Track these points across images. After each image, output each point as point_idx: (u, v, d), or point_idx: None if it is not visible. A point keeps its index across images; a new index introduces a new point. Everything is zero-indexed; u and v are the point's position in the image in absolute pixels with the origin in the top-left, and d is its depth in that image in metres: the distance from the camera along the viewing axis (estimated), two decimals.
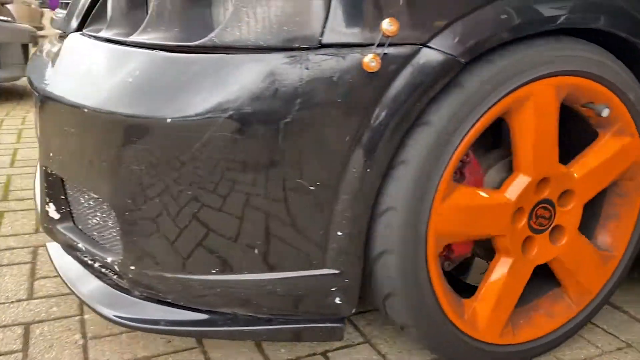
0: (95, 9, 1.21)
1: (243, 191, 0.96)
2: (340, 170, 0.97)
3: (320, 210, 1.00)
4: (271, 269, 1.03)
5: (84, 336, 1.37)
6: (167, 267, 1.05)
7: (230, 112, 0.91)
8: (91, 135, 1.01)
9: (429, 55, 0.94)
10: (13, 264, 1.70)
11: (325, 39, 0.91)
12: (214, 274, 1.04)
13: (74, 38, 1.20)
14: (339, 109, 0.94)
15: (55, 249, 1.36)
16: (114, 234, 1.13)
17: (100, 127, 0.98)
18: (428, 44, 0.94)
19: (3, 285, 1.58)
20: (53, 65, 1.21)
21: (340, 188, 0.99)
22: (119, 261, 1.10)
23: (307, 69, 0.91)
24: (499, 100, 1.03)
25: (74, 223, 1.28)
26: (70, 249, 1.29)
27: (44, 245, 1.79)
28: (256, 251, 1.02)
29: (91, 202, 1.17)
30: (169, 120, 0.92)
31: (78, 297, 1.23)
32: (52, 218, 1.28)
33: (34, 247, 1.82)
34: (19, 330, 1.38)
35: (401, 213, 1.02)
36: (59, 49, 1.23)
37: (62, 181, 1.23)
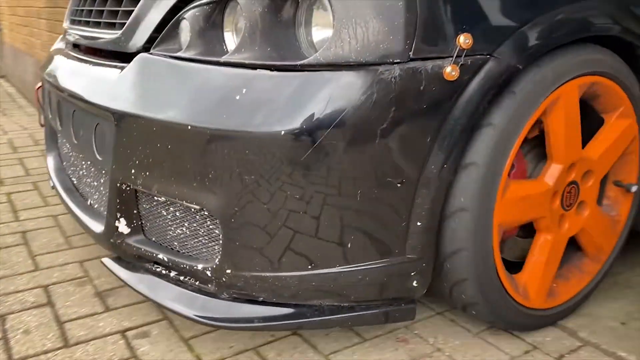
0: (165, 30, 1.27)
1: (343, 193, 1.08)
2: (422, 167, 1.11)
3: (404, 204, 1.13)
4: (362, 260, 1.16)
5: (182, 338, 1.43)
6: (266, 267, 1.14)
7: (337, 122, 1.03)
8: (197, 151, 1.09)
9: (494, 64, 1.10)
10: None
11: (413, 54, 1.04)
12: (310, 269, 1.15)
13: (147, 58, 1.26)
14: (424, 114, 1.08)
15: (113, 263, 1.42)
16: (206, 241, 1.21)
17: (208, 143, 1.07)
18: (493, 54, 1.10)
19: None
20: (121, 83, 1.26)
21: (420, 184, 1.12)
22: (213, 266, 1.19)
23: (399, 80, 1.04)
24: (544, 100, 1.20)
25: (145, 236, 1.34)
26: (139, 260, 1.35)
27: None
28: (349, 245, 1.14)
29: (177, 214, 1.24)
30: (282, 132, 1.02)
31: (159, 304, 1.29)
32: (121, 233, 1.33)
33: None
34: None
35: (472, 212, 1.18)
36: (125, 68, 1.28)
37: (137, 196, 1.29)
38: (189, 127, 1.08)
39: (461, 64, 1.07)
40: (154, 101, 1.18)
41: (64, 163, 1.92)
